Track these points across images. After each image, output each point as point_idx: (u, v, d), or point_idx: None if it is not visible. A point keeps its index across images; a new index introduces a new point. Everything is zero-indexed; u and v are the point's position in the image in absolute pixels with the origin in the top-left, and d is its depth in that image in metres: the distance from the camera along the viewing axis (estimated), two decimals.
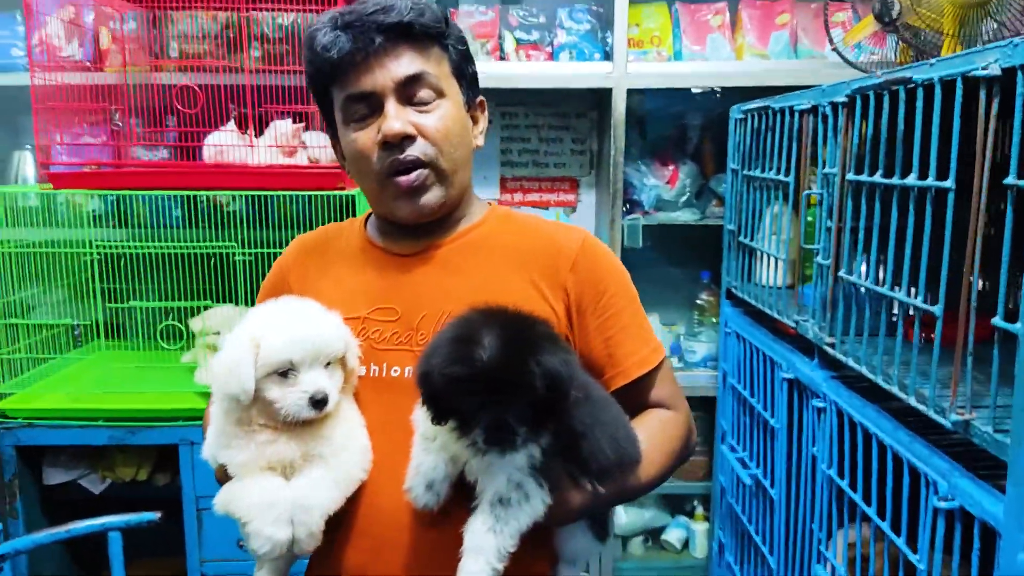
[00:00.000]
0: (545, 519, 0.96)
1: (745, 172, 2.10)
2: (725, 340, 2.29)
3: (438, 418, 0.93)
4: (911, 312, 1.32)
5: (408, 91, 1.11)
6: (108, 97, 2.17)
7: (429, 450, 0.99)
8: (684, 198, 2.57)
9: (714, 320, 2.56)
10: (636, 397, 1.17)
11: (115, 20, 2.30)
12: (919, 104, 1.21)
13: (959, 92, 1.10)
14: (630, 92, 2.39)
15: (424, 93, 1.11)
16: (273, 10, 2.15)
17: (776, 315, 1.88)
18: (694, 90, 2.67)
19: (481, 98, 1.25)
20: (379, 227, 1.25)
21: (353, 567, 1.08)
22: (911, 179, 1.24)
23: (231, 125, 2.02)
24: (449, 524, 0.99)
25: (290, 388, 1.02)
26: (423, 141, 1.11)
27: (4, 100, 2.50)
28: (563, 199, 2.77)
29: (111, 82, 2.20)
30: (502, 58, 2.50)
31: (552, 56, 2.48)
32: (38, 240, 2.08)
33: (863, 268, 1.47)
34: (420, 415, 1.00)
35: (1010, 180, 1.00)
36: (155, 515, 1.64)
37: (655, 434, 1.14)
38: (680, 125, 2.74)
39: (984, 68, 1.05)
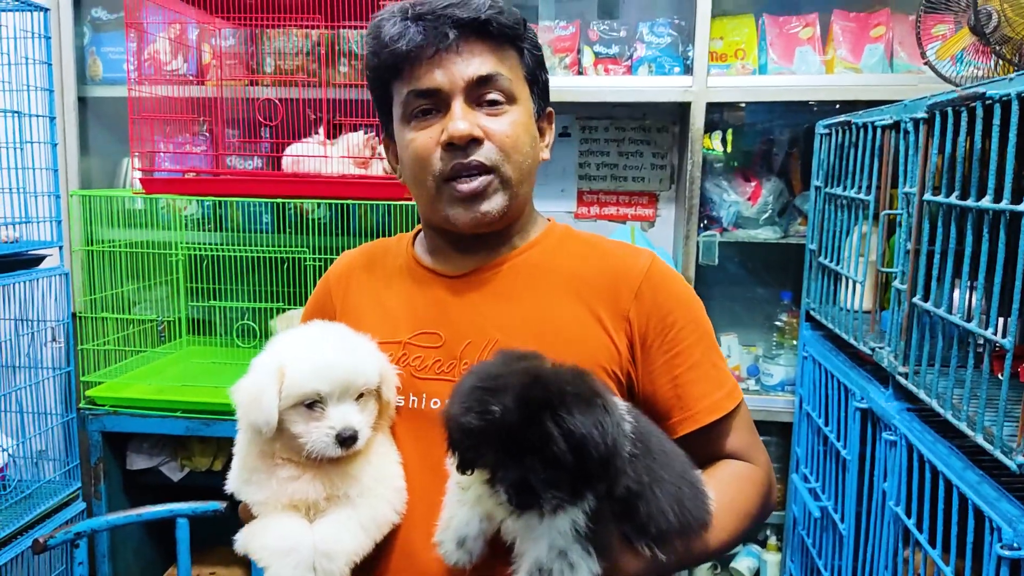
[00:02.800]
0: None
1: (827, 190, 2.01)
2: (802, 364, 2.20)
3: (461, 467, 0.84)
4: (990, 344, 1.22)
5: (478, 92, 1.03)
6: (208, 109, 2.31)
7: (463, 502, 0.90)
8: (766, 215, 2.49)
9: (794, 342, 2.46)
10: (707, 446, 1.05)
11: (216, 37, 2.45)
12: (995, 121, 1.13)
13: None
14: (715, 106, 2.34)
15: (495, 96, 1.03)
16: (360, 28, 2.23)
17: (852, 340, 1.78)
18: (784, 103, 2.58)
19: (550, 109, 1.17)
20: (428, 244, 1.16)
21: None
22: (986, 201, 1.15)
23: (319, 136, 2.11)
24: None
25: (316, 422, 0.94)
26: (489, 145, 1.02)
27: (118, 111, 2.70)
28: (641, 213, 2.73)
29: (210, 95, 2.34)
30: (580, 72, 2.49)
31: (631, 70, 2.45)
32: (137, 241, 2.22)
33: (956, 293, 1.38)
34: (450, 461, 0.91)
35: None
36: (220, 505, 1.71)
37: (727, 492, 1.01)
38: (767, 140, 2.65)
39: None
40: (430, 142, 1.02)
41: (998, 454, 1.09)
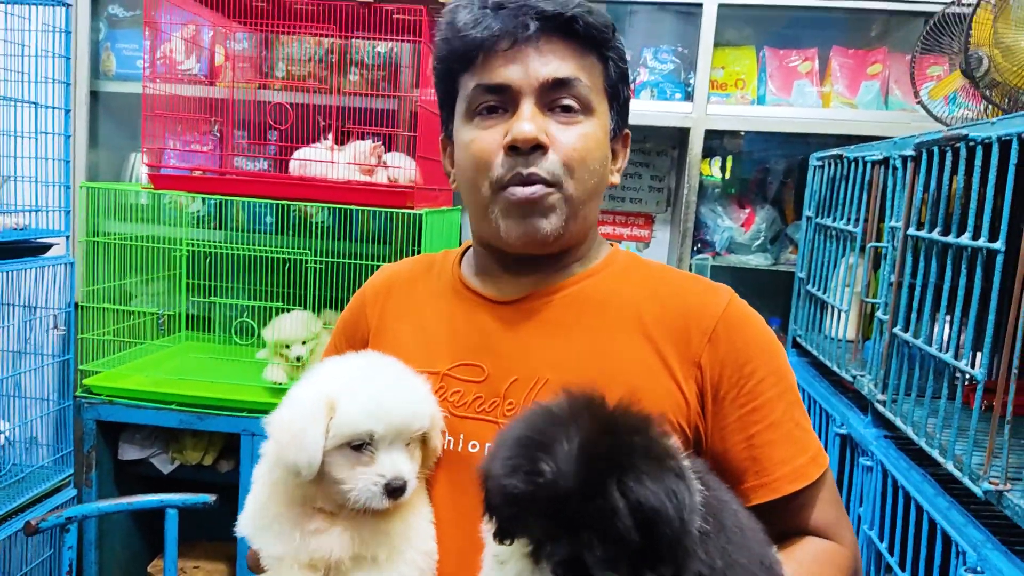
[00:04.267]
0: None
1: (818, 220, 2.07)
2: None
3: (502, 536, 0.70)
4: (962, 376, 1.27)
5: (552, 96, 0.91)
6: (217, 110, 2.36)
7: None
8: (758, 242, 2.54)
9: None
10: (785, 518, 0.89)
11: (230, 40, 2.50)
12: (977, 163, 1.18)
13: (1014, 152, 1.07)
14: (714, 132, 2.40)
15: (569, 102, 0.91)
16: (372, 39, 2.29)
17: (835, 368, 1.83)
18: (782, 134, 2.64)
19: (628, 131, 1.04)
20: (476, 264, 1.04)
21: None
22: (964, 238, 1.20)
23: (328, 142, 2.16)
24: None
25: (363, 467, 0.83)
26: (554, 157, 0.90)
27: (129, 106, 2.75)
28: (636, 234, 2.79)
29: (221, 96, 2.39)
30: None
31: (633, 94, 2.52)
32: (136, 234, 2.26)
33: (936, 327, 1.42)
34: (487, 527, 0.77)
35: None
36: (210, 497, 1.75)
37: None
38: (763, 169, 2.71)
39: None
40: (492, 144, 0.91)
41: (967, 481, 1.13)
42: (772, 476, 0.88)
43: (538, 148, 0.89)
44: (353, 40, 2.33)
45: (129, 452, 2.14)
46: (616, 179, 1.02)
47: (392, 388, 0.86)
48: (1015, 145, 1.07)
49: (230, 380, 2.08)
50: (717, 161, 2.70)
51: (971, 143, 1.20)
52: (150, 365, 2.18)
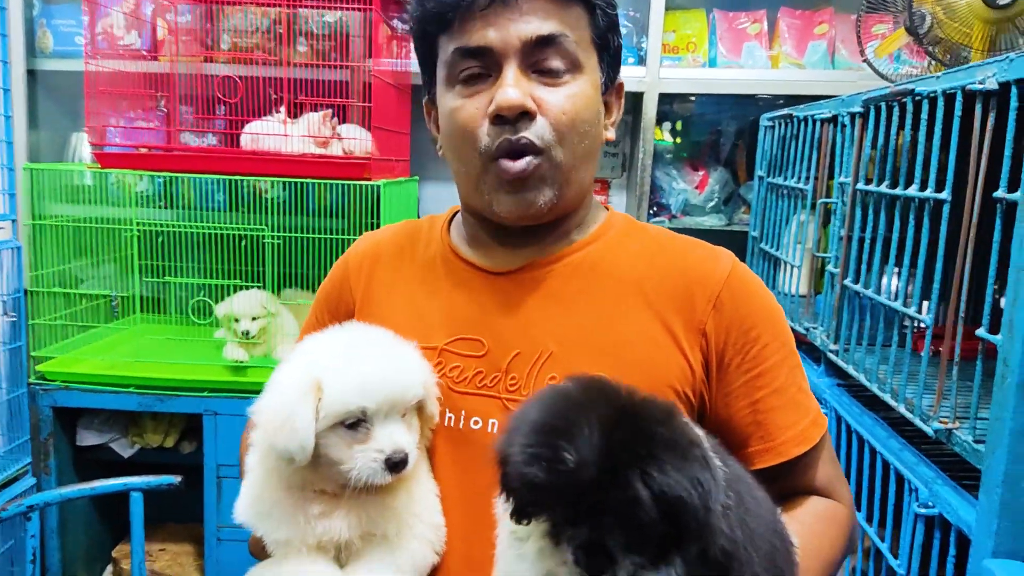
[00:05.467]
0: None
1: (770, 179, 2.11)
2: None
3: (519, 517, 0.70)
4: (912, 323, 1.32)
5: (536, 56, 0.86)
6: (162, 85, 2.29)
7: (523, 557, 0.74)
8: (712, 203, 2.58)
9: None
10: (787, 480, 0.90)
11: (171, 12, 2.42)
12: (923, 116, 1.22)
13: (958, 105, 1.11)
14: (666, 96, 2.41)
15: (555, 62, 0.87)
16: (320, 8, 2.24)
17: (790, 322, 1.88)
18: (733, 95, 2.67)
19: (621, 81, 0.99)
20: (467, 233, 1.00)
21: None
22: (912, 190, 1.24)
23: (280, 115, 2.11)
24: None
25: (360, 445, 0.80)
26: (543, 122, 0.86)
27: (68, 84, 2.65)
28: None
29: (165, 71, 2.32)
30: None
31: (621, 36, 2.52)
32: (84, 216, 2.20)
33: (885, 279, 1.47)
34: (503, 505, 0.77)
35: (998, 193, 1.01)
36: (175, 479, 1.72)
37: (813, 538, 0.85)
38: (715, 131, 2.75)
39: (981, 82, 1.06)
40: (477, 113, 0.87)
41: (918, 421, 1.18)
42: (777, 440, 0.88)
43: (525, 115, 0.85)
44: (300, 10, 2.28)
45: (87, 438, 2.10)
46: (611, 134, 0.98)
47: (380, 360, 0.83)
48: (959, 97, 1.11)
49: (188, 361, 2.05)
50: (667, 125, 2.72)
51: (917, 97, 1.24)
52: (105, 348, 2.14)
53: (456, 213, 1.05)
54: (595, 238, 0.97)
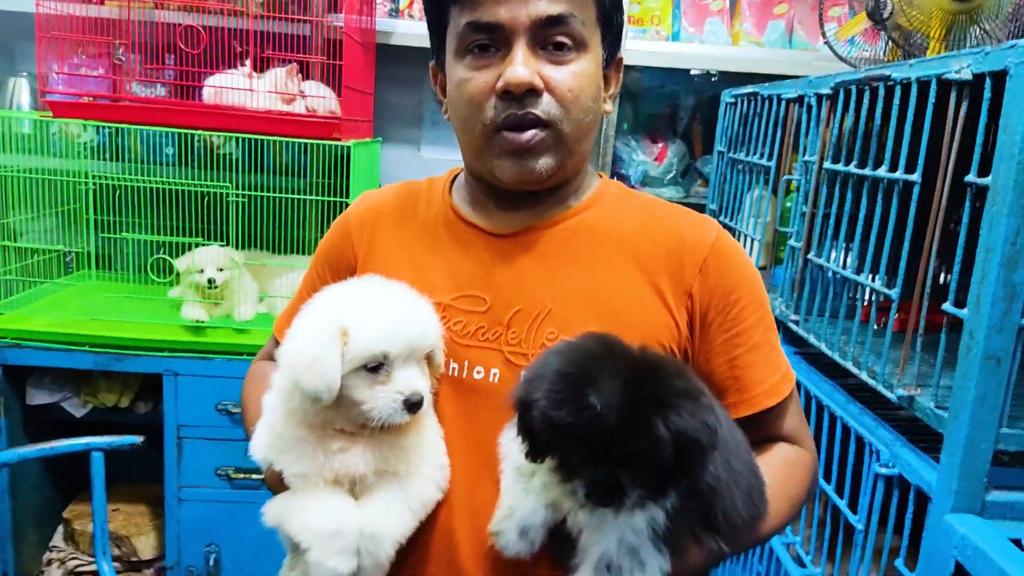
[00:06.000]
0: None
1: (731, 155, 2.17)
2: None
3: (535, 456, 0.78)
4: (875, 297, 1.40)
5: (545, 33, 0.91)
6: (110, 31, 2.18)
7: (528, 491, 0.83)
8: (670, 175, 2.65)
9: None
10: (759, 428, 0.99)
11: None
12: (896, 101, 1.29)
13: (932, 92, 1.18)
14: (626, 69, 2.44)
15: (562, 40, 0.91)
16: None
17: None
18: (692, 71, 2.73)
19: (620, 56, 1.05)
20: (469, 195, 1.05)
21: None
22: (882, 171, 1.31)
23: (246, 68, 2.04)
24: (532, 566, 0.86)
25: (382, 387, 0.86)
26: (548, 98, 0.91)
27: (2, 26, 2.50)
28: None
29: (113, 17, 2.21)
30: None
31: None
32: (31, 167, 2.10)
33: (834, 253, 1.55)
34: (511, 443, 0.85)
35: (969, 178, 1.08)
36: (138, 439, 1.70)
37: (781, 480, 0.96)
38: (673, 104, 2.80)
39: (957, 72, 1.12)
40: (485, 87, 0.92)
41: (881, 388, 1.27)
42: (752, 393, 0.97)
43: (532, 91, 0.90)
44: None
45: (38, 397, 2.03)
46: (610, 107, 1.04)
47: (401, 308, 0.90)
48: (933, 86, 1.18)
49: (146, 319, 2.00)
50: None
51: (891, 83, 1.30)
52: (57, 305, 2.06)
53: (456, 176, 1.10)
54: (590, 204, 1.03)
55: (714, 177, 2.29)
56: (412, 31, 2.45)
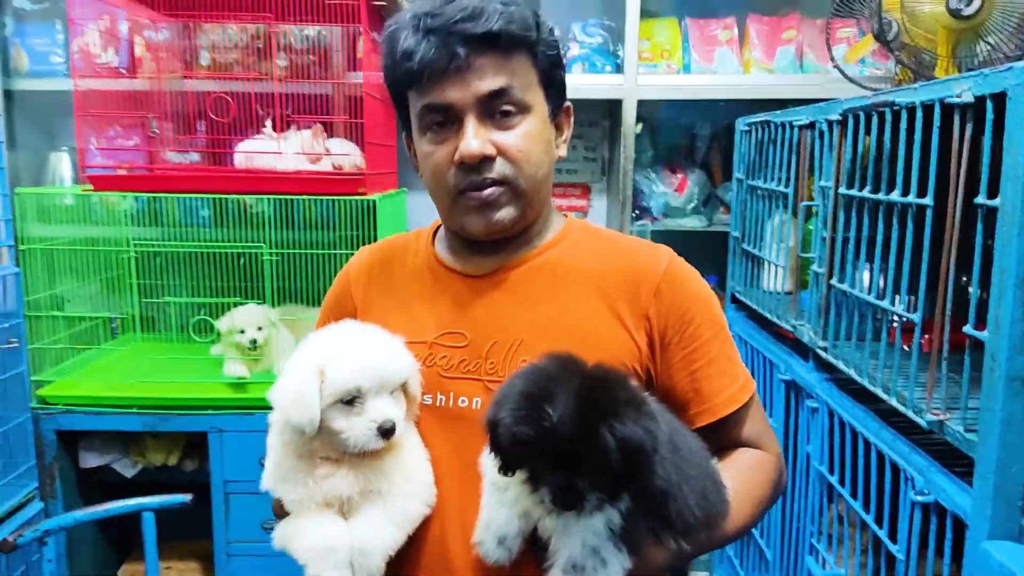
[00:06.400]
0: None
1: (749, 182, 2.19)
2: None
3: (505, 470, 0.87)
4: (900, 319, 1.40)
5: (491, 105, 1.03)
6: (142, 103, 2.29)
7: (502, 503, 0.93)
8: (692, 205, 2.67)
9: None
10: (723, 435, 1.09)
11: (149, 29, 2.43)
12: (903, 125, 1.30)
13: (936, 116, 1.19)
14: (642, 103, 2.49)
15: (507, 108, 1.04)
16: (298, 23, 2.26)
17: (775, 319, 1.96)
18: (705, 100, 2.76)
19: (567, 104, 1.16)
20: (449, 244, 1.18)
21: None
22: (895, 195, 1.32)
23: (267, 130, 2.13)
24: (516, 570, 0.95)
25: (356, 417, 0.98)
26: (502, 161, 1.04)
27: (43, 104, 2.63)
28: (574, 204, 2.87)
29: (145, 89, 2.32)
30: None
31: (565, 68, 2.58)
32: (73, 238, 2.20)
33: (864, 276, 1.55)
34: (487, 461, 0.95)
35: (979, 200, 1.09)
36: (187, 497, 1.75)
37: (743, 481, 1.06)
38: (690, 135, 2.83)
39: (958, 96, 1.14)
40: (446, 158, 1.04)
41: (911, 414, 1.26)
42: (712, 403, 1.07)
43: (486, 159, 1.02)
44: (279, 25, 2.30)
45: (90, 459, 2.11)
46: (563, 151, 1.16)
47: (372, 348, 1.02)
48: (937, 109, 1.19)
49: (190, 379, 2.07)
50: (640, 126, 2.80)
51: (896, 108, 1.32)
52: (104, 369, 2.14)
53: (439, 227, 1.23)
54: (555, 243, 1.15)
55: (735, 204, 2.31)
56: None
